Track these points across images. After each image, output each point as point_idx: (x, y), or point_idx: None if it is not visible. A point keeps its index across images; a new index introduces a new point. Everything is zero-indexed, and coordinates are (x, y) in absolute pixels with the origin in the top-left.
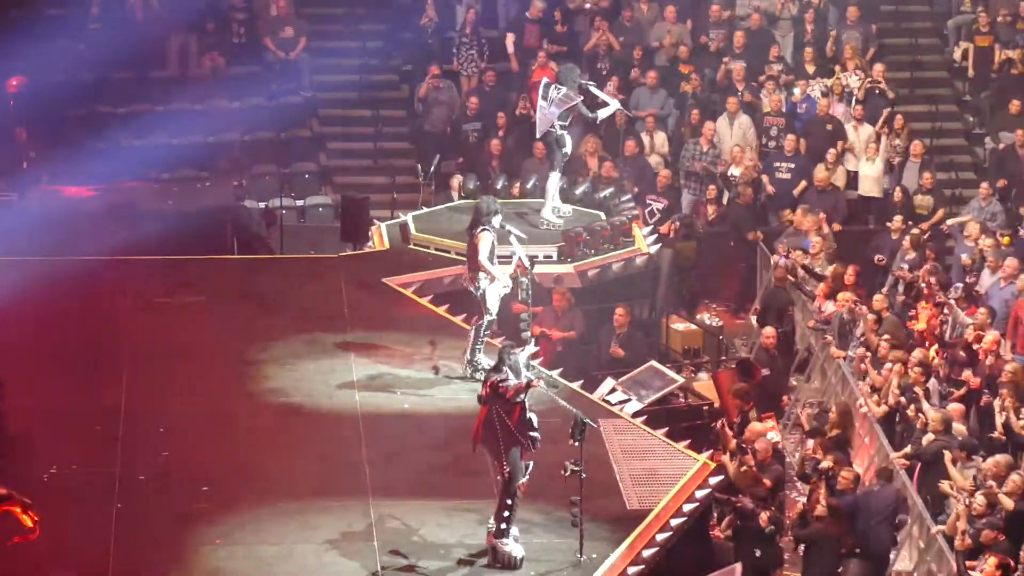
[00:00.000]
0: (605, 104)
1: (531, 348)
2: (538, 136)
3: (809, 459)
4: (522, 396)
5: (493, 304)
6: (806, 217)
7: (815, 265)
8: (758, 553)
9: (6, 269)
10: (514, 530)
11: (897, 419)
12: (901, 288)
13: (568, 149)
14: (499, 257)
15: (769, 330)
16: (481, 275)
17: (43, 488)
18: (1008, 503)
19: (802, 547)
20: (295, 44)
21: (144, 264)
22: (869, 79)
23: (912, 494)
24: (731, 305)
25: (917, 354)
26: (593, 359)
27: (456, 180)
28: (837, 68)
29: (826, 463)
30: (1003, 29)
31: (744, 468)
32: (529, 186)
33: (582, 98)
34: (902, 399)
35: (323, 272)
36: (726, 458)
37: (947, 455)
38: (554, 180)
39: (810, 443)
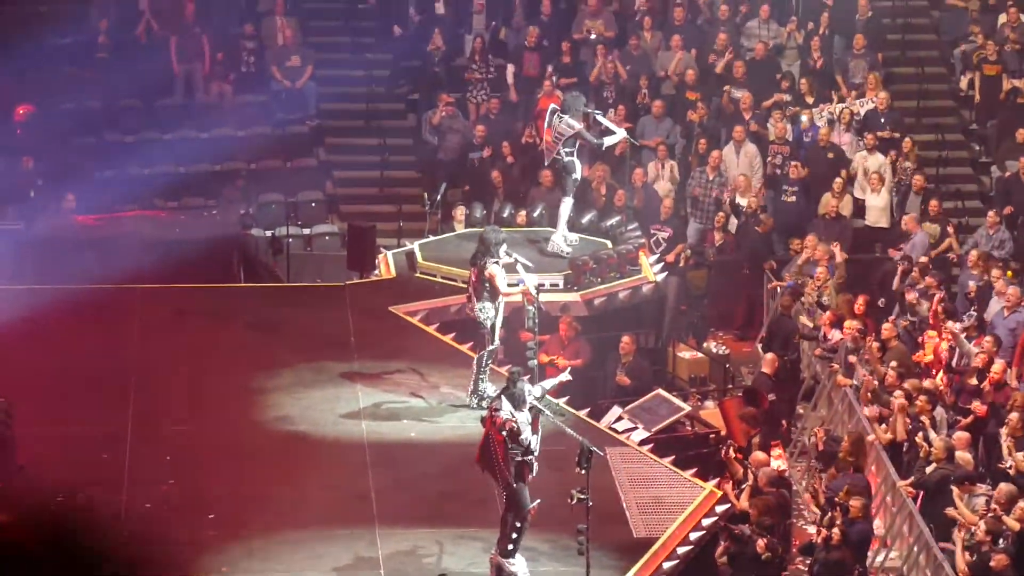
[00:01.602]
0: (611, 132)
1: (564, 376)
2: (546, 164)
3: (825, 491)
4: (504, 433)
5: (496, 334)
6: (818, 246)
7: (824, 294)
8: None
9: (14, 297)
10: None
11: (905, 448)
12: (908, 315)
13: (578, 175)
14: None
15: (770, 356)
16: (486, 305)
17: (50, 516)
18: (1015, 524)
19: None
20: (302, 73)
21: (151, 292)
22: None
23: (919, 522)
24: (738, 333)
25: (926, 383)
26: (599, 387)
27: (459, 211)
28: (840, 95)
29: (842, 494)
30: (1010, 58)
31: (740, 491)
32: (536, 214)
33: (584, 125)
34: (909, 428)
35: (329, 300)
36: (728, 487)
37: (955, 490)
38: (566, 206)
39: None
